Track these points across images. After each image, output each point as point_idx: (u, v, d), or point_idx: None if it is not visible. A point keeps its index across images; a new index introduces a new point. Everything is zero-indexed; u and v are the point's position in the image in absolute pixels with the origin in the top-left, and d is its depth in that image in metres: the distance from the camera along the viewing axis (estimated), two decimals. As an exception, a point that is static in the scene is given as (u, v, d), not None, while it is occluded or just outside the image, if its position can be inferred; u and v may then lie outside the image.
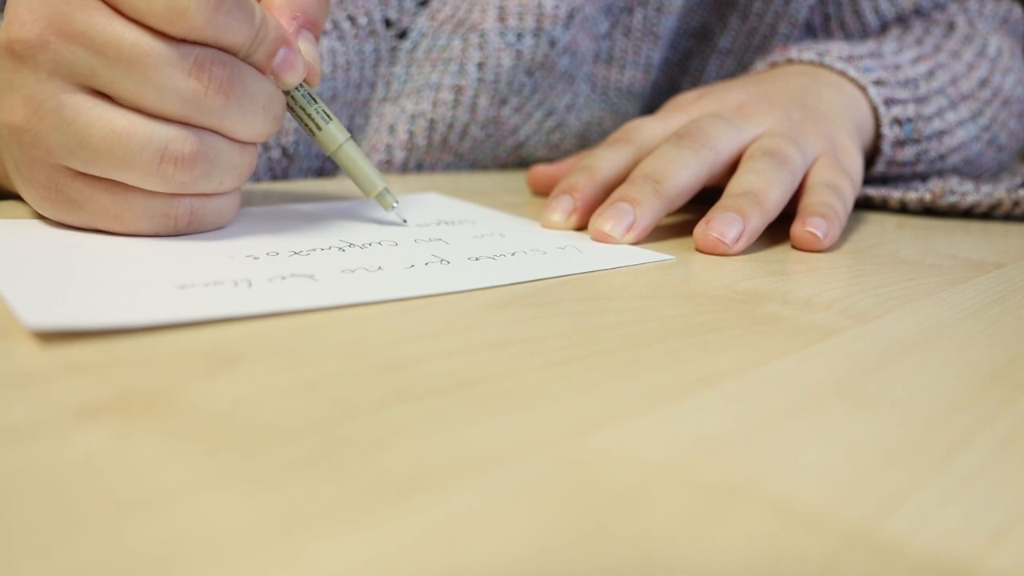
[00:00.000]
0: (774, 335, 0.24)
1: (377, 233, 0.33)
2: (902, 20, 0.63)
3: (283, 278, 0.26)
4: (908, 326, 0.26)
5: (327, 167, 0.51)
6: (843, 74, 0.48)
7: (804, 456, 0.17)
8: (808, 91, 0.45)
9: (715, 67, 0.66)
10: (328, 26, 0.49)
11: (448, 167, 0.57)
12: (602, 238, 0.34)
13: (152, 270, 0.25)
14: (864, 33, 0.64)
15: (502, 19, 0.53)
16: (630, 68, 0.62)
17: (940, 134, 0.51)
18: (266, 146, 0.47)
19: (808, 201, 0.37)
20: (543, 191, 0.47)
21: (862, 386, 0.21)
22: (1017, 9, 0.64)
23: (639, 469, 0.16)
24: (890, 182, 0.51)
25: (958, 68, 0.54)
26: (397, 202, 0.35)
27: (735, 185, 0.36)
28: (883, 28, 0.63)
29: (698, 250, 0.35)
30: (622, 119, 0.63)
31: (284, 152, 0.48)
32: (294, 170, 0.50)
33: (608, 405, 0.19)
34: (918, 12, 0.63)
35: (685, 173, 0.36)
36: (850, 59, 0.49)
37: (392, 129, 0.54)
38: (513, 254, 0.32)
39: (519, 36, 0.54)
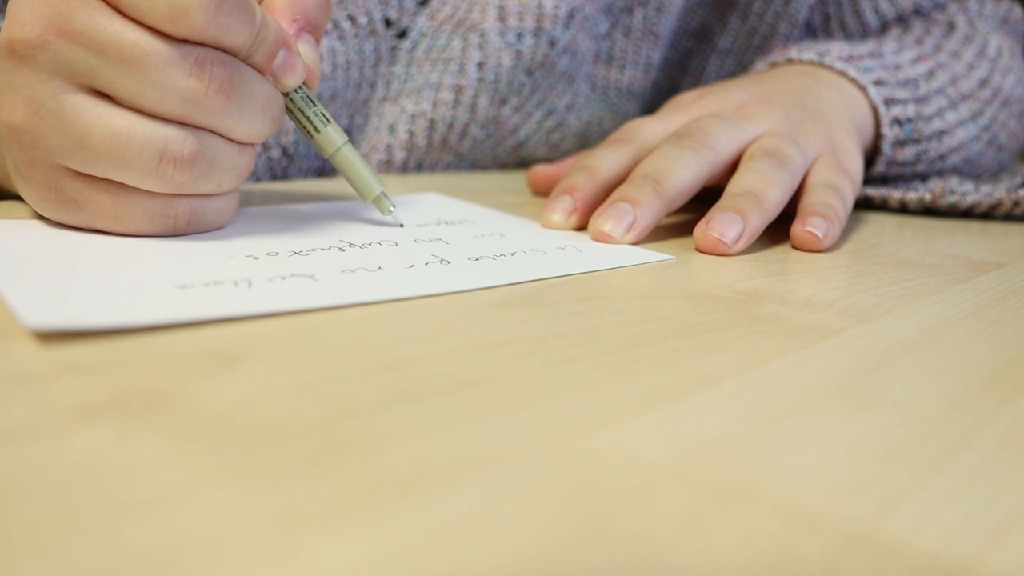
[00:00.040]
0: (774, 335, 0.24)
1: (377, 233, 0.33)
2: (902, 20, 0.63)
3: (283, 278, 0.26)
4: (908, 326, 0.26)
5: (327, 167, 0.51)
6: (843, 74, 0.48)
7: (804, 456, 0.17)
8: (808, 91, 0.45)
9: (715, 67, 0.66)
10: (328, 25, 0.49)
11: (448, 167, 0.57)
12: (602, 238, 0.34)
13: (152, 270, 0.25)
14: (864, 33, 0.64)
15: (502, 19, 0.53)
16: (630, 68, 0.62)
17: (940, 134, 0.51)
18: (266, 146, 0.47)
19: (808, 201, 0.37)
20: (543, 191, 0.47)
21: (862, 386, 0.21)
22: (1017, 9, 0.64)
23: (639, 469, 0.16)
24: (890, 182, 0.51)
25: (958, 68, 0.54)
26: (394, 206, 0.35)
27: (735, 185, 0.36)
28: (883, 28, 0.63)
29: (698, 250, 0.35)
30: (622, 119, 0.63)
31: (284, 152, 0.48)
32: (294, 170, 0.50)
33: (608, 405, 0.19)
34: (918, 12, 0.63)
35: (685, 173, 0.36)
36: (850, 59, 0.49)
37: (392, 129, 0.54)
38: (513, 254, 0.32)
39: (519, 36, 0.54)
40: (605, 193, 0.37)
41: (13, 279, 0.23)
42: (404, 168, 0.54)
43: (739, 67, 0.66)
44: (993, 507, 0.15)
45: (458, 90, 0.54)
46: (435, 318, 0.24)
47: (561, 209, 0.37)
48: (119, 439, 0.15)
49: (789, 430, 0.18)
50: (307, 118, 0.33)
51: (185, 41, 0.27)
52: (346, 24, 0.50)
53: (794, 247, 0.36)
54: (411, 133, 0.54)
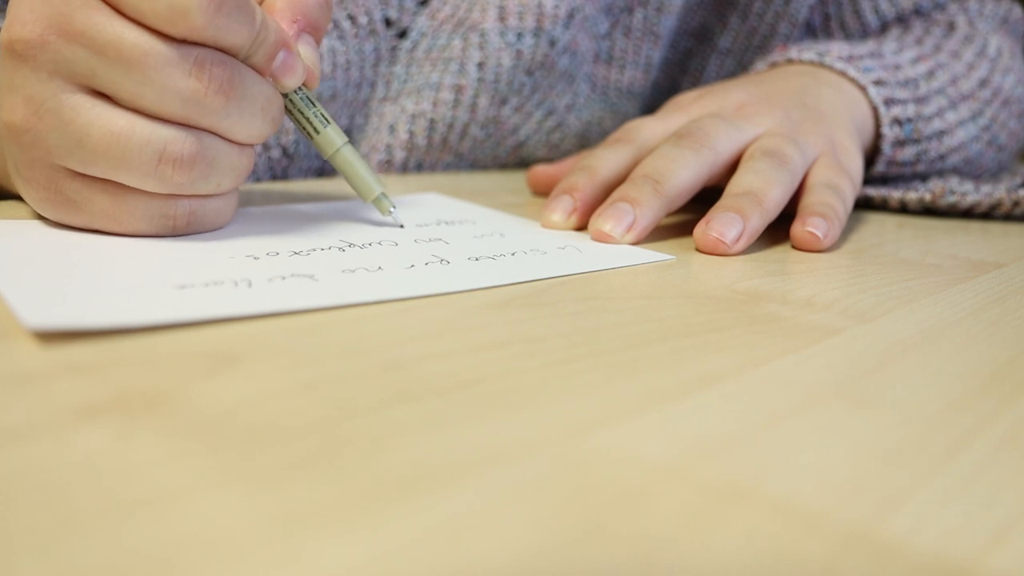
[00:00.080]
0: (774, 335, 0.24)
1: (377, 233, 0.33)
2: (902, 20, 0.63)
3: (283, 278, 0.26)
4: (908, 326, 0.26)
5: (327, 167, 0.51)
6: (843, 74, 0.48)
7: (804, 456, 0.17)
8: (808, 91, 0.45)
9: (715, 67, 0.66)
10: (328, 25, 0.49)
11: (448, 167, 0.57)
12: (602, 238, 0.34)
13: (152, 270, 0.25)
14: (864, 33, 0.64)
15: (502, 19, 0.53)
16: (630, 68, 0.62)
17: (940, 134, 0.51)
18: (266, 146, 0.47)
19: (808, 201, 0.37)
20: (543, 191, 0.47)
21: (862, 386, 0.21)
22: (1017, 9, 0.64)
23: (639, 469, 0.16)
24: (890, 182, 0.51)
25: (958, 68, 0.54)
26: (395, 207, 0.35)
27: (735, 185, 0.36)
28: (883, 28, 0.63)
29: (698, 250, 0.35)
30: (622, 119, 0.63)
31: (284, 152, 0.48)
32: (294, 170, 0.50)
33: (608, 405, 0.19)
34: (918, 12, 0.63)
35: (685, 173, 0.36)
36: (850, 59, 0.49)
37: (392, 129, 0.54)
38: (513, 254, 0.32)
39: (519, 36, 0.54)
40: (605, 193, 0.37)
41: (13, 279, 0.23)
42: (404, 168, 0.54)
43: (739, 67, 0.66)
44: (993, 507, 0.15)
45: (458, 90, 0.54)
46: (435, 318, 0.24)
47: (561, 209, 0.37)
48: (119, 439, 0.15)
49: (789, 430, 0.18)
50: (307, 119, 0.33)
51: (185, 42, 0.27)
52: (346, 24, 0.50)
53: (794, 247, 0.36)
54: (411, 133, 0.54)
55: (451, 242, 0.33)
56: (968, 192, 0.48)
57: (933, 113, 0.50)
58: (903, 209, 0.48)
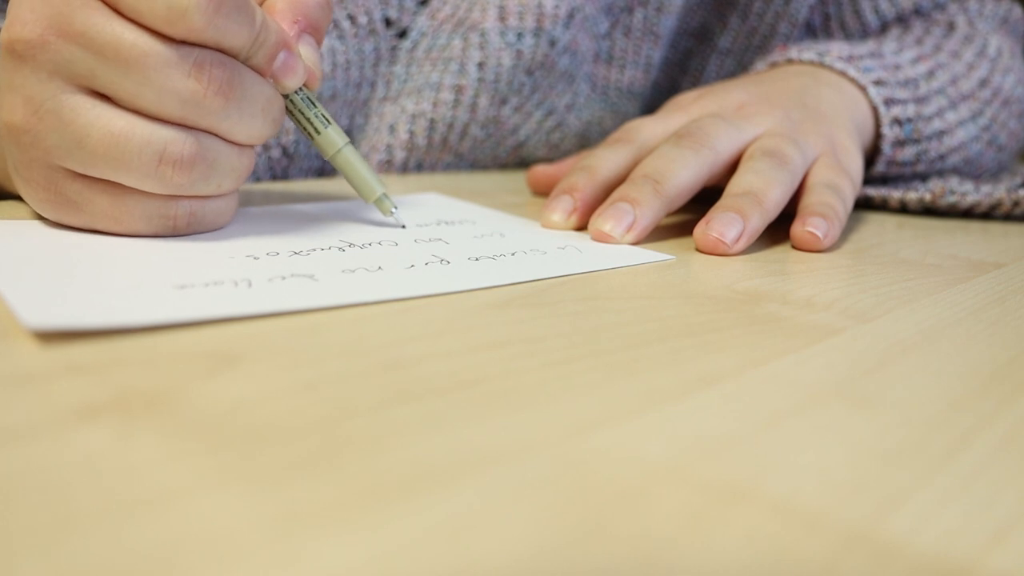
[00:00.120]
0: (774, 335, 0.24)
1: (377, 233, 0.33)
2: (902, 20, 0.63)
3: (283, 278, 0.26)
4: (908, 326, 0.26)
5: (327, 167, 0.51)
6: (843, 74, 0.48)
7: (804, 456, 0.17)
8: (808, 91, 0.45)
9: (715, 67, 0.66)
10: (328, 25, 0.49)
11: (448, 167, 0.57)
12: (602, 238, 0.34)
13: (152, 270, 0.25)
14: (864, 33, 0.64)
15: (502, 18, 0.53)
16: (630, 68, 0.62)
17: (940, 134, 0.51)
18: (266, 146, 0.47)
19: (808, 201, 0.37)
20: (543, 191, 0.47)
21: (862, 386, 0.21)
22: (1017, 9, 0.64)
23: (639, 469, 0.16)
24: (890, 182, 0.51)
25: (958, 68, 0.54)
26: (396, 207, 0.35)
27: (735, 185, 0.36)
28: (883, 28, 0.63)
29: (698, 250, 0.35)
30: (622, 119, 0.63)
31: (284, 152, 0.48)
32: (294, 170, 0.50)
33: (608, 405, 0.19)
34: (918, 12, 0.63)
35: (685, 173, 0.36)
36: (850, 59, 0.49)
37: (392, 129, 0.54)
38: (513, 254, 0.32)
39: (519, 36, 0.54)
40: (605, 193, 0.37)
41: (13, 279, 0.23)
42: (404, 168, 0.54)
43: (739, 67, 0.66)
44: (993, 507, 0.15)
45: (458, 90, 0.54)
46: (435, 318, 0.24)
47: (561, 209, 0.37)
48: (119, 439, 0.15)
49: (789, 430, 0.18)
50: (308, 120, 0.33)
51: (185, 43, 0.27)
52: (346, 24, 0.50)
53: (794, 247, 0.36)
54: (411, 133, 0.54)
55: (451, 242, 0.33)
56: (968, 192, 0.48)
57: (933, 113, 0.50)
58: (903, 209, 0.48)
